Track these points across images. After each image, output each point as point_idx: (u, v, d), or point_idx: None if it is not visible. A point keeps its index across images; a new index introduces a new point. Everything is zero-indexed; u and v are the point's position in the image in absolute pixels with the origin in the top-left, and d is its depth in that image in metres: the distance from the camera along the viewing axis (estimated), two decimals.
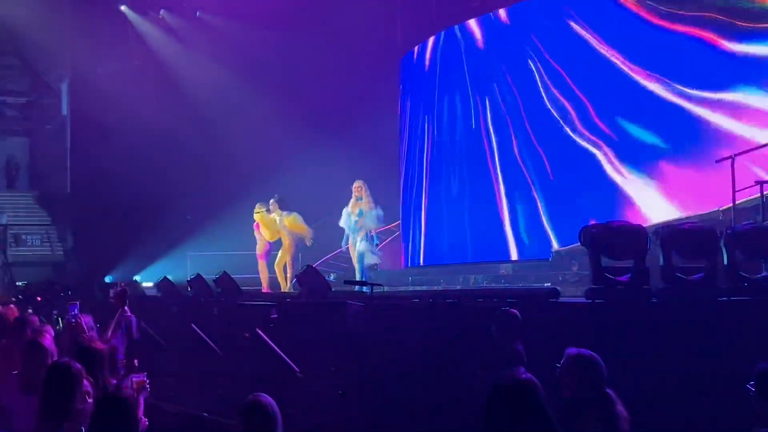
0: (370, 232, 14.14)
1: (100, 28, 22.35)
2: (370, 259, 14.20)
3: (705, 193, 12.02)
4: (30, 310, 12.35)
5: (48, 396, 4.76)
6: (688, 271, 7.36)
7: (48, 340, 6.12)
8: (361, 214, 14.12)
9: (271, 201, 15.46)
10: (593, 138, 14.32)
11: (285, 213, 15.39)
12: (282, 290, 15.18)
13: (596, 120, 14.29)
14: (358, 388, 8.69)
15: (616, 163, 13.87)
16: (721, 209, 10.78)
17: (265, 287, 15.83)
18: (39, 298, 15.53)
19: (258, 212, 15.57)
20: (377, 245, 14.38)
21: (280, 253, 15.46)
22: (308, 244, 15.53)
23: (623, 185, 13.73)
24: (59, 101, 27.01)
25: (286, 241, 15.30)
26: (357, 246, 14.12)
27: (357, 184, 14.25)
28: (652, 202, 13.18)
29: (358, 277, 13.67)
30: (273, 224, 15.46)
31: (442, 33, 18.61)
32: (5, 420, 5.46)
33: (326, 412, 8.75)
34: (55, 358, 5.77)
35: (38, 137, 29.44)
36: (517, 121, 16.09)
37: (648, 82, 13.34)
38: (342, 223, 14.40)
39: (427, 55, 19.17)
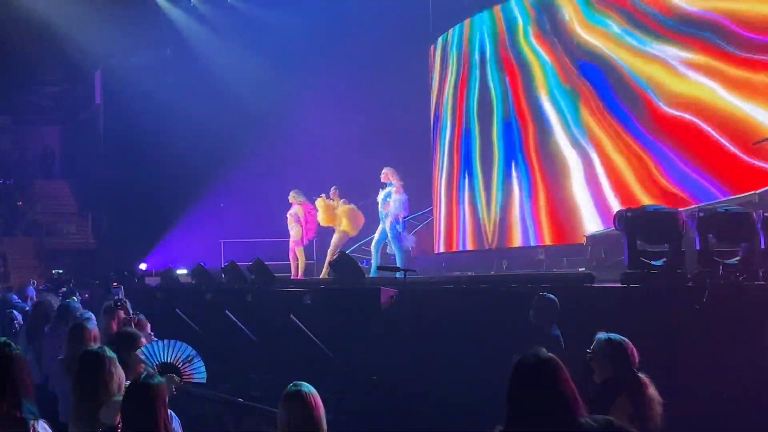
0: (397, 217, 14.11)
1: (132, 16, 22.49)
2: (407, 243, 14.23)
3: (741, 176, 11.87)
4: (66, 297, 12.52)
5: (80, 382, 4.80)
6: (724, 255, 7.29)
7: (92, 324, 6.20)
8: (388, 197, 14.10)
9: (333, 189, 15.56)
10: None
11: (342, 201, 15.48)
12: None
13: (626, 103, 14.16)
14: (392, 373, 8.71)
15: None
16: (757, 192, 10.64)
17: (298, 274, 15.88)
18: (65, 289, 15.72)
19: (320, 198, 15.68)
20: (403, 231, 14.32)
21: (334, 240, 15.53)
22: (351, 234, 15.66)
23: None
24: (92, 90, 27.28)
25: (339, 234, 15.35)
26: (389, 231, 14.09)
27: (384, 171, 14.25)
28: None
29: (397, 261, 13.72)
30: (331, 210, 15.54)
31: (474, 17, 18.53)
32: (51, 404, 5.54)
33: (360, 397, 8.78)
34: (99, 343, 5.85)
35: (72, 126, 29.75)
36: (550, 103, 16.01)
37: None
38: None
39: (458, 39, 19.10)
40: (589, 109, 14.72)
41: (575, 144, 15.09)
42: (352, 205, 15.51)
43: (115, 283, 14.69)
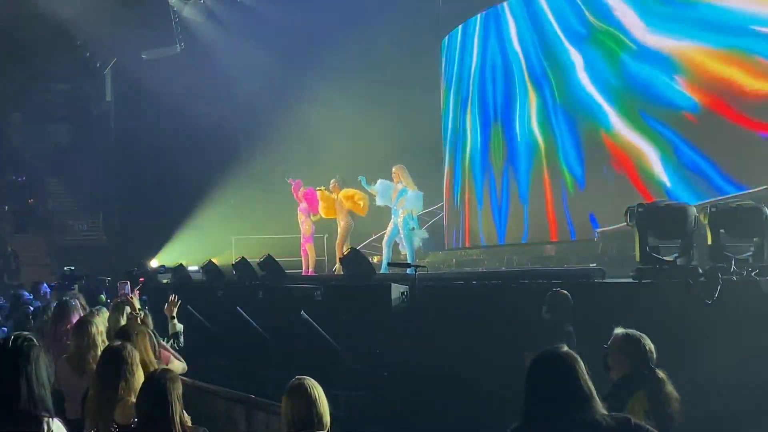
0: (412, 212, 13.93)
1: (142, 13, 22.52)
2: (418, 239, 14.07)
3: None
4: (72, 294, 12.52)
5: (102, 378, 4.80)
6: (736, 250, 7.25)
7: (96, 320, 6.18)
8: (403, 193, 13.83)
9: (332, 181, 15.30)
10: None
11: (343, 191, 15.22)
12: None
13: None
14: (403, 370, 8.70)
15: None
16: None
17: (309, 270, 15.83)
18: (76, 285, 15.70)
19: (319, 189, 15.50)
20: (416, 227, 14.14)
21: (340, 231, 15.34)
22: (361, 213, 15.33)
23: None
24: (103, 87, 27.32)
25: (343, 222, 15.18)
26: (402, 227, 13.91)
27: (394, 170, 14.03)
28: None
29: (408, 257, 13.59)
30: (332, 202, 15.35)
31: (484, 13, 18.47)
32: (58, 403, 5.52)
33: (371, 394, 8.78)
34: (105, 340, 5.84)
35: (83, 123, 29.80)
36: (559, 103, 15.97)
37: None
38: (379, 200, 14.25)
39: (468, 35, 19.06)
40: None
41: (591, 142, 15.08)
42: (347, 189, 15.21)
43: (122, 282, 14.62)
